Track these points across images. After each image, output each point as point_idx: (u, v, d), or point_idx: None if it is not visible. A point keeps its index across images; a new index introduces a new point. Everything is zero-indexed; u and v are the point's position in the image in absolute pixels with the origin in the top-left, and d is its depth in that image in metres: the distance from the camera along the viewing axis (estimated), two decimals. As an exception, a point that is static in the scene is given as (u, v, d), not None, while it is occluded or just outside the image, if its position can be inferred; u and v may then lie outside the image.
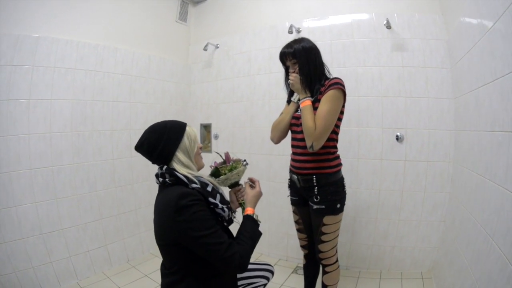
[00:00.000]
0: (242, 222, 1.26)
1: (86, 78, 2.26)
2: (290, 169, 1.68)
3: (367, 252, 2.35)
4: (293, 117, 1.62)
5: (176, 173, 1.10)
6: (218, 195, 1.16)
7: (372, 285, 2.16)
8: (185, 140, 1.17)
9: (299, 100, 1.54)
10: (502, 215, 1.23)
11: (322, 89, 1.47)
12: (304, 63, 1.50)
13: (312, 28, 2.50)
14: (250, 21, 2.87)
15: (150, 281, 2.26)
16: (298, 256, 2.55)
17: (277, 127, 1.64)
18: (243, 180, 1.46)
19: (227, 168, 1.39)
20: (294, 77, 1.50)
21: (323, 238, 1.55)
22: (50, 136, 2.07)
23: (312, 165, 1.52)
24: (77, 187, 2.20)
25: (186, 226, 1.01)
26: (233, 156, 1.46)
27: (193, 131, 1.23)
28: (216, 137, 3.05)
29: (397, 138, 2.21)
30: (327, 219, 1.52)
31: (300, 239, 1.79)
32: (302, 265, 1.88)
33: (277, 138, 1.67)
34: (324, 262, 1.60)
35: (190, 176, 1.11)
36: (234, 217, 1.42)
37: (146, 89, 2.74)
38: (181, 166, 1.14)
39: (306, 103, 1.46)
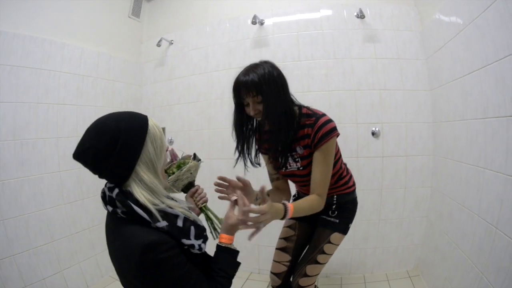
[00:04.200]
0: (215, 254, 1.18)
1: (30, 77, 2.40)
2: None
3: (348, 257, 2.71)
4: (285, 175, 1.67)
5: (133, 206, 0.93)
6: (192, 229, 1.02)
7: (359, 291, 2.51)
8: (149, 146, 0.99)
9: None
10: (506, 202, 1.48)
11: (309, 130, 1.45)
12: (271, 104, 1.37)
13: (278, 19, 2.85)
14: (209, 14, 3.17)
15: (114, 309, 2.45)
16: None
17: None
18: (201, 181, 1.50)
19: (174, 166, 1.37)
20: (264, 214, 1.20)
21: (320, 258, 1.64)
22: (-8, 145, 2.20)
23: (332, 191, 1.65)
24: (23, 205, 2.32)
25: (161, 286, 0.93)
26: (180, 153, 1.47)
27: (158, 129, 1.04)
28: (171, 142, 3.29)
29: (373, 133, 2.60)
30: (334, 237, 1.65)
31: (278, 262, 1.76)
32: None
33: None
34: None
35: (152, 208, 0.94)
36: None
37: (94, 90, 2.94)
38: (142, 189, 0.97)
39: (291, 212, 1.34)
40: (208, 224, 1.43)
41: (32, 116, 2.44)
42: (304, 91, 2.70)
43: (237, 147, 1.57)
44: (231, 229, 1.21)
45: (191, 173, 1.40)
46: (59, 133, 2.64)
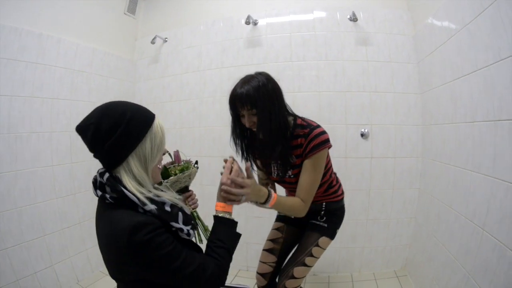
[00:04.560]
0: (213, 226, 1.22)
1: (26, 71, 2.46)
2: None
3: (335, 256, 2.81)
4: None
5: (124, 190, 0.98)
6: (180, 214, 1.08)
7: (346, 289, 2.61)
8: (147, 143, 1.05)
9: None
10: (493, 204, 1.56)
11: (302, 140, 1.51)
12: (265, 117, 1.42)
13: (271, 20, 2.94)
14: (204, 13, 3.26)
15: (104, 304, 2.51)
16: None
17: None
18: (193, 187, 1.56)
19: (178, 168, 1.45)
20: (249, 186, 1.30)
21: (308, 261, 1.70)
22: (-14, 139, 2.27)
23: (321, 198, 1.76)
24: (16, 199, 2.38)
25: (152, 266, 0.97)
26: (183, 157, 1.56)
27: (160, 131, 1.10)
28: (162, 138, 3.42)
29: (362, 134, 2.70)
30: (323, 241, 1.73)
31: (264, 262, 1.85)
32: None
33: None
34: None
35: (140, 196, 0.99)
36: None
37: (88, 85, 3.01)
38: (131, 179, 1.03)
39: (273, 200, 1.43)
40: None
41: (27, 110, 2.50)
42: (295, 91, 2.80)
43: (242, 156, 1.63)
44: (220, 196, 1.27)
45: (189, 178, 1.47)
46: (53, 127, 2.70)
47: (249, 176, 1.34)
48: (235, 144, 1.62)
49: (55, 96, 2.72)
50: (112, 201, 1.00)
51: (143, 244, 0.93)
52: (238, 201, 1.29)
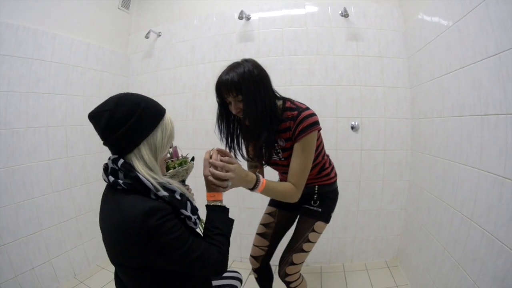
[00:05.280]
0: (207, 215, 1.27)
1: (22, 67, 2.51)
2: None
3: (327, 246, 2.93)
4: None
5: (139, 176, 1.04)
6: (188, 204, 1.14)
7: (338, 279, 2.71)
8: (158, 133, 1.12)
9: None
10: (479, 196, 1.64)
11: (291, 123, 1.52)
12: (251, 103, 1.43)
13: (264, 15, 3.03)
14: (197, 8, 3.34)
15: (102, 298, 2.61)
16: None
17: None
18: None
19: (177, 162, 1.49)
20: (233, 170, 1.31)
21: (305, 246, 1.76)
22: (-17, 135, 2.31)
23: (314, 181, 1.80)
24: (13, 194, 2.42)
25: (161, 251, 1.00)
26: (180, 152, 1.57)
27: (170, 123, 1.18)
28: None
29: (352, 127, 2.81)
30: (318, 226, 1.78)
31: (257, 246, 1.95)
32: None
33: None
34: (288, 279, 1.78)
35: (153, 181, 1.05)
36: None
37: (83, 80, 3.08)
38: (142, 165, 1.08)
39: (262, 186, 1.45)
40: None
41: (23, 105, 2.55)
42: (286, 85, 2.90)
43: (226, 143, 1.66)
44: (208, 185, 1.32)
45: (186, 172, 1.50)
46: (49, 122, 2.76)
47: (232, 162, 1.35)
48: (220, 131, 1.65)
49: (50, 91, 2.77)
50: (125, 187, 1.04)
51: (155, 229, 0.97)
52: (225, 187, 1.32)
